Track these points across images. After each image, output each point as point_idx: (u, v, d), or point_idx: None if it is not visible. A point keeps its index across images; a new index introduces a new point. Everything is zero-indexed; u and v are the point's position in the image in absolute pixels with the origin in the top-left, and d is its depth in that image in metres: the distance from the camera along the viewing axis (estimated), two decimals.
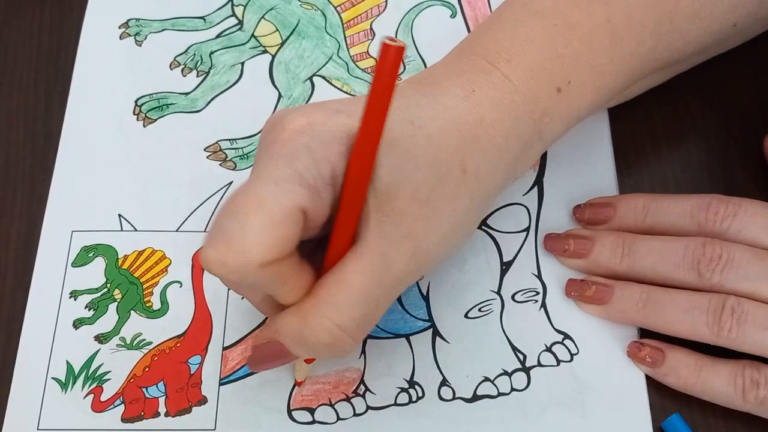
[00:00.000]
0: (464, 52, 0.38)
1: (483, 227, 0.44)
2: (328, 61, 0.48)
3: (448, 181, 0.33)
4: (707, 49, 0.42)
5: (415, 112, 0.33)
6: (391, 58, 0.27)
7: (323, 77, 0.48)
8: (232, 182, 0.45)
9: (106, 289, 0.42)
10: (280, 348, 0.33)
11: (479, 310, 0.42)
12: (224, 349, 0.41)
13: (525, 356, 0.41)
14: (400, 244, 0.32)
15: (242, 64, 0.48)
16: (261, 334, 0.34)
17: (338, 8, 0.50)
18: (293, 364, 0.39)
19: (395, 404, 0.40)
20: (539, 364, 0.40)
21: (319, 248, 0.33)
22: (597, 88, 0.38)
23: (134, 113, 0.47)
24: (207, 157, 0.46)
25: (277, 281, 0.31)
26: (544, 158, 0.45)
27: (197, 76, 0.48)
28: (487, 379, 0.40)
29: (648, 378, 0.40)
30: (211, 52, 0.49)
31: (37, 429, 0.39)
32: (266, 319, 0.41)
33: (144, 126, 0.46)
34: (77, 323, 0.41)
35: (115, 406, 0.40)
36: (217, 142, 0.46)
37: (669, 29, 0.39)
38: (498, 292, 0.42)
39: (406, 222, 0.32)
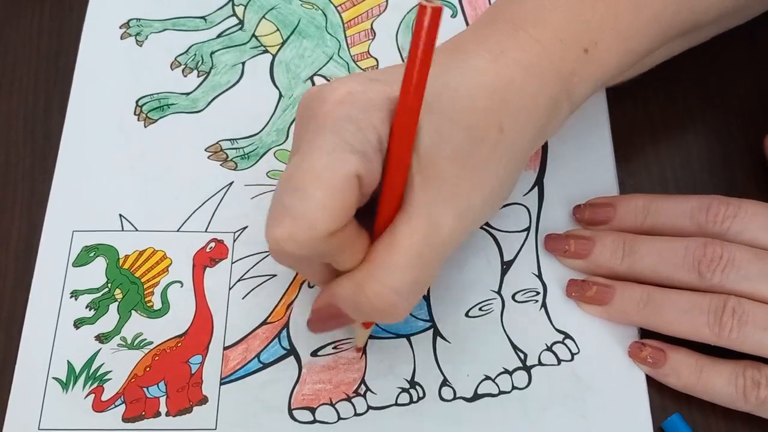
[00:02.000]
0: (490, 19, 0.38)
1: (483, 227, 0.44)
2: (328, 61, 0.48)
3: (487, 141, 0.34)
4: (728, 15, 0.42)
5: (447, 76, 0.34)
6: (430, 19, 0.27)
7: (324, 77, 0.48)
8: (232, 182, 0.45)
9: (106, 289, 0.42)
10: (338, 311, 0.34)
11: (480, 309, 0.42)
12: (225, 348, 0.41)
13: (526, 355, 0.41)
14: (446, 204, 0.33)
15: (243, 64, 0.48)
16: (320, 298, 0.35)
17: (339, 8, 0.50)
18: (353, 330, 0.40)
19: (396, 404, 0.40)
20: (540, 363, 0.40)
21: (366, 214, 0.33)
22: (622, 50, 0.38)
23: (135, 113, 0.47)
24: (208, 158, 0.46)
25: (339, 249, 0.32)
26: (544, 158, 0.45)
27: (198, 76, 0.48)
28: (487, 377, 0.40)
29: (648, 378, 0.40)
30: (212, 52, 0.49)
31: (38, 429, 0.39)
32: (266, 318, 0.41)
33: (145, 126, 0.46)
34: (78, 323, 0.41)
35: (116, 406, 0.40)
36: (217, 142, 0.46)
37: None
38: (498, 292, 0.42)
39: (449, 183, 0.33)
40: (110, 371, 0.40)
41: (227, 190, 0.45)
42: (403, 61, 0.48)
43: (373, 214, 0.33)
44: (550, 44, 0.36)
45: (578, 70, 0.37)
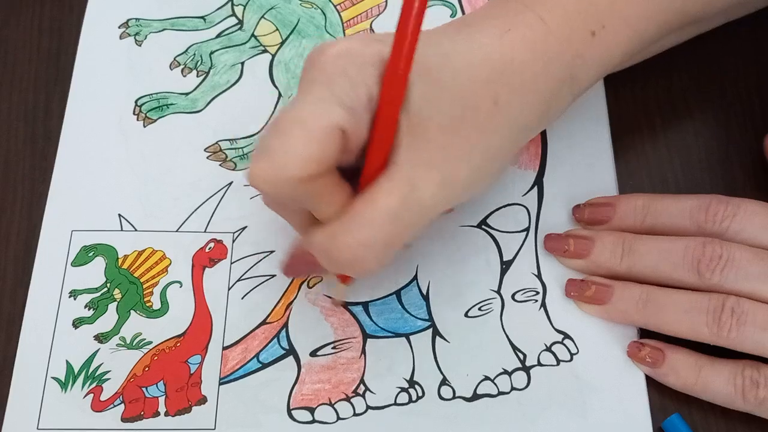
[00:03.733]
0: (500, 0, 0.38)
1: (483, 227, 0.44)
2: None
3: (480, 112, 0.34)
4: (736, 5, 0.42)
5: (448, 47, 0.35)
6: None
7: None
8: (232, 182, 0.45)
9: (105, 289, 0.42)
10: (312, 259, 0.35)
11: (479, 309, 0.42)
12: (224, 348, 0.41)
13: (525, 356, 0.41)
14: (430, 169, 0.33)
15: (242, 63, 0.48)
16: (296, 245, 0.36)
17: (338, 7, 0.50)
18: (332, 285, 0.41)
19: (395, 404, 0.40)
20: (539, 364, 0.40)
21: (358, 176, 0.34)
22: (630, 36, 0.38)
23: (134, 113, 0.47)
24: (207, 158, 0.46)
25: (314, 197, 0.32)
26: (543, 158, 0.45)
27: (197, 76, 0.48)
28: (487, 378, 0.40)
29: (648, 378, 0.40)
30: (211, 52, 0.49)
31: (37, 429, 0.39)
32: (265, 318, 0.41)
33: (144, 126, 0.46)
34: (77, 323, 0.41)
35: (115, 406, 0.40)
36: (217, 143, 0.46)
37: None
38: (498, 292, 0.42)
39: (436, 149, 0.33)
40: (109, 371, 0.40)
41: (226, 190, 0.45)
42: None
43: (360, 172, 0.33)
44: (557, 25, 0.37)
45: (583, 53, 0.37)
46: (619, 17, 0.38)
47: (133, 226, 0.44)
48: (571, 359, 0.40)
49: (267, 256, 0.43)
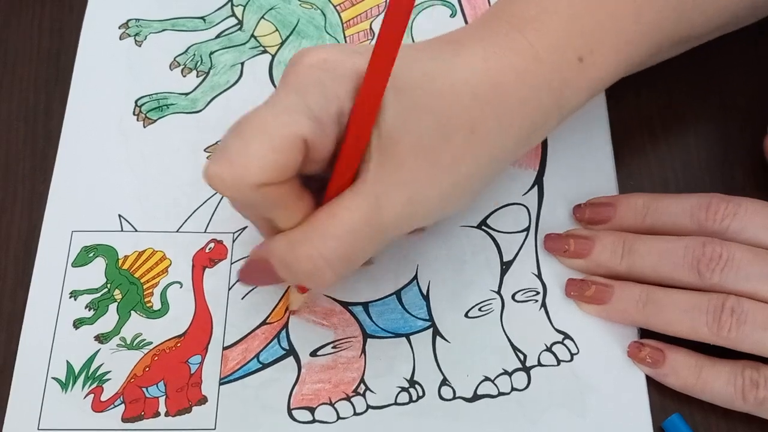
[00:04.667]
0: (490, 17, 0.38)
1: (483, 227, 0.44)
2: None
3: (455, 138, 0.34)
4: (725, 25, 0.42)
5: (430, 66, 0.34)
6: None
7: None
8: None
9: (106, 290, 0.42)
10: (269, 268, 0.34)
11: (479, 309, 0.42)
12: (224, 348, 0.41)
13: (525, 356, 0.41)
14: (397, 189, 0.33)
15: (242, 64, 0.48)
16: (255, 251, 0.35)
17: (338, 8, 0.50)
18: (289, 292, 0.40)
19: (395, 403, 0.40)
20: (539, 364, 0.40)
21: (326, 186, 0.34)
22: (618, 60, 0.38)
23: (134, 113, 0.47)
24: (207, 158, 0.46)
25: (273, 204, 0.32)
26: (543, 158, 0.45)
27: (197, 77, 0.48)
28: (487, 378, 0.40)
29: (648, 378, 0.40)
30: (211, 53, 0.49)
31: (38, 429, 0.39)
32: (265, 318, 0.41)
33: (144, 126, 0.46)
34: (77, 323, 0.41)
35: (116, 406, 0.40)
36: (217, 143, 0.46)
37: (691, 5, 0.39)
38: (498, 292, 0.42)
39: (405, 169, 0.33)
40: (109, 371, 0.40)
41: None
42: None
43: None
44: (545, 50, 0.36)
45: (570, 80, 0.37)
46: (609, 41, 0.37)
47: (134, 227, 0.44)
48: (572, 359, 0.40)
49: None
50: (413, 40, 0.49)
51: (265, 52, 0.49)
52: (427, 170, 0.33)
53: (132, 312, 0.42)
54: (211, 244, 0.43)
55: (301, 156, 0.31)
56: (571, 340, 0.41)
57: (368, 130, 0.32)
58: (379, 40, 0.29)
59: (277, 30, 0.49)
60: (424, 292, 0.42)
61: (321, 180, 0.33)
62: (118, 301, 0.42)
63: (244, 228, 0.44)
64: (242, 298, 0.42)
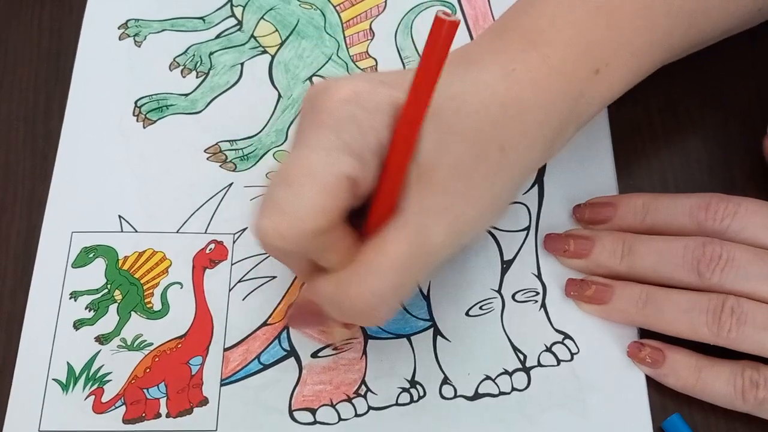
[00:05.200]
0: (504, 30, 0.38)
1: None
2: (327, 61, 0.48)
3: (488, 157, 0.34)
4: (732, 29, 0.42)
5: (457, 88, 0.34)
6: (444, 33, 0.27)
7: (323, 77, 0.48)
8: (232, 183, 0.45)
9: (106, 290, 0.42)
10: (318, 309, 0.34)
11: (480, 308, 0.42)
12: (225, 349, 0.41)
13: (525, 356, 0.41)
14: (439, 216, 0.33)
15: (242, 64, 0.48)
16: (302, 294, 0.35)
17: (337, 8, 0.50)
18: (335, 330, 0.40)
19: (397, 404, 0.40)
20: (539, 364, 0.40)
21: (357, 216, 0.33)
22: (633, 69, 0.38)
23: (134, 114, 0.47)
24: (207, 159, 0.45)
25: (325, 248, 0.32)
26: None
27: (197, 77, 0.48)
28: (488, 377, 0.40)
29: (648, 378, 0.40)
30: (211, 53, 0.49)
31: (38, 430, 0.39)
32: (266, 319, 0.41)
33: (144, 127, 0.46)
34: (78, 324, 0.41)
35: (116, 408, 0.40)
36: (217, 144, 0.46)
37: (702, 14, 0.39)
38: (499, 291, 0.42)
39: (445, 195, 0.33)
40: (110, 372, 0.40)
41: (227, 191, 0.44)
42: (402, 60, 0.48)
43: (365, 216, 0.33)
44: (561, 64, 0.36)
45: (587, 91, 0.37)
46: (623, 53, 0.37)
47: (134, 228, 0.44)
48: (572, 359, 0.41)
49: (267, 257, 0.43)
50: (414, 42, 0.49)
51: (264, 52, 0.49)
52: (464, 192, 0.33)
53: (132, 313, 0.42)
54: (212, 245, 0.43)
55: (350, 195, 0.31)
56: (571, 340, 0.41)
57: (407, 162, 0.31)
58: (420, 73, 0.29)
59: (276, 30, 0.49)
60: (425, 292, 0.42)
61: (353, 212, 0.33)
62: (119, 301, 0.42)
63: (245, 229, 0.44)
64: (243, 299, 0.42)
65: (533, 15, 0.37)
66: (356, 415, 0.39)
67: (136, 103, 0.47)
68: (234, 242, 0.43)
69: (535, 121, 0.35)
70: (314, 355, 0.41)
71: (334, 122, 0.31)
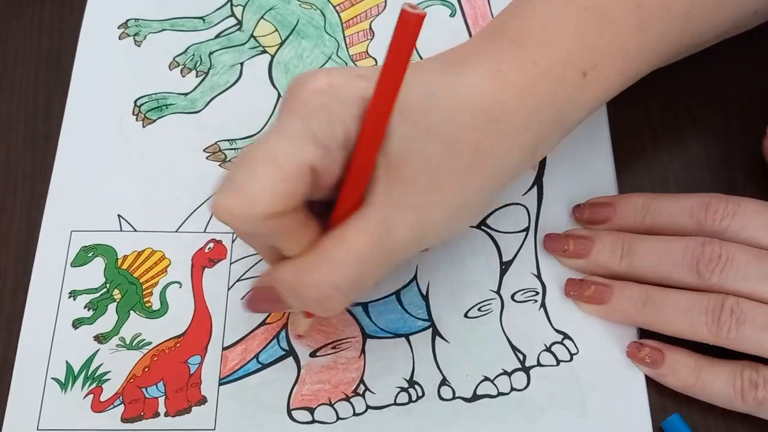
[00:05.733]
0: (493, 33, 0.38)
1: (483, 227, 0.44)
2: (327, 61, 0.48)
3: (461, 158, 0.34)
4: (727, 32, 0.42)
5: (435, 86, 0.34)
6: (411, 26, 0.27)
7: None
8: None
9: (105, 289, 0.42)
10: (276, 295, 0.34)
11: (479, 309, 0.42)
12: (224, 349, 0.41)
13: (525, 356, 0.41)
14: (405, 212, 0.33)
15: (241, 64, 0.48)
16: (262, 279, 0.35)
17: (337, 8, 0.50)
18: (294, 317, 0.40)
19: (395, 404, 0.40)
20: (539, 364, 0.40)
21: (330, 209, 0.33)
22: (622, 73, 0.38)
23: (133, 113, 0.47)
24: (206, 158, 0.46)
25: (280, 233, 0.32)
26: (543, 158, 0.45)
27: (196, 77, 0.48)
28: (486, 378, 0.40)
29: (648, 378, 0.40)
30: (211, 53, 0.49)
31: (37, 429, 0.39)
32: (265, 319, 0.41)
33: (143, 126, 0.46)
34: (76, 323, 0.41)
35: (115, 407, 0.40)
36: (216, 143, 0.46)
37: (695, 16, 0.39)
38: (498, 292, 0.42)
39: (413, 191, 0.33)
40: (109, 371, 0.40)
41: None
42: None
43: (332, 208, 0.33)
44: (548, 68, 0.36)
45: (573, 96, 0.36)
46: (613, 54, 0.37)
47: (133, 227, 0.44)
48: (571, 359, 0.40)
49: None
50: None
51: (264, 52, 0.49)
52: (434, 191, 0.33)
53: (131, 312, 0.42)
54: (211, 244, 0.43)
55: (309, 184, 0.31)
56: (571, 340, 0.41)
57: (375, 155, 0.31)
58: (386, 65, 0.29)
59: (276, 30, 0.49)
60: (424, 292, 0.42)
61: (324, 204, 0.33)
62: (118, 301, 0.42)
63: None
64: (242, 298, 0.42)
65: (524, 17, 0.37)
66: (354, 415, 0.39)
67: (135, 102, 0.47)
68: (233, 241, 0.43)
69: (516, 126, 0.35)
70: (313, 354, 0.41)
71: (305, 111, 0.31)
